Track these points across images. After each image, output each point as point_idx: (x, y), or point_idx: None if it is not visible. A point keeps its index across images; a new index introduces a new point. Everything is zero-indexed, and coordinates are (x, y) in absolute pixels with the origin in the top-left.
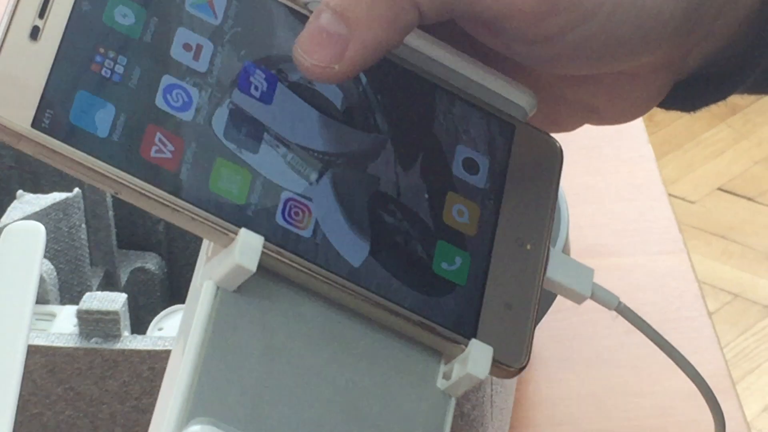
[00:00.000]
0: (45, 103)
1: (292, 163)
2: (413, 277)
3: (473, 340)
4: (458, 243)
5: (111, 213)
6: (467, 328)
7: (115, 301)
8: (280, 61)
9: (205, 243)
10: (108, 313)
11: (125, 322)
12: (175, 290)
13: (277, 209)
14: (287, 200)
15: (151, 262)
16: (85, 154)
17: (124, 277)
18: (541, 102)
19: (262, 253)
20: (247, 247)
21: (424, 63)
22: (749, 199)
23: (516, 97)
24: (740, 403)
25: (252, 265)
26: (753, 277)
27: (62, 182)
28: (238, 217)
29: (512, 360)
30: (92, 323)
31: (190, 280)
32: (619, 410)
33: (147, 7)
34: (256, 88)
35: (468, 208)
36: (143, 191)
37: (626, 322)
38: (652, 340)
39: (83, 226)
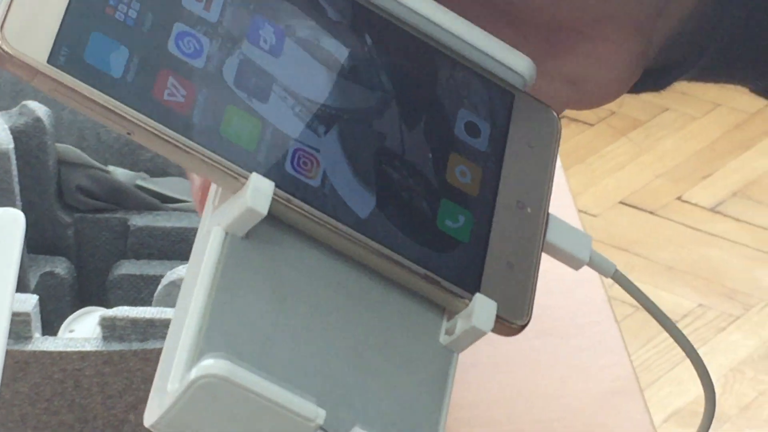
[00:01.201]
0: (60, 41)
1: (300, 115)
2: (418, 232)
3: (478, 294)
4: (461, 202)
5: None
6: (471, 284)
7: (26, 302)
8: (289, 16)
9: (211, 194)
10: (19, 314)
11: (36, 323)
12: (84, 294)
13: (286, 158)
14: (296, 150)
15: (61, 267)
16: (99, 92)
17: (33, 281)
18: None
19: (272, 200)
20: (258, 191)
21: (428, 28)
22: (651, 212)
23: (517, 65)
24: (647, 407)
25: (263, 209)
26: (655, 289)
27: None
28: (248, 162)
29: (515, 316)
30: None
31: (99, 285)
32: (529, 412)
33: None
34: (265, 41)
35: (470, 169)
36: (156, 132)
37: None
38: (646, 309)
39: None
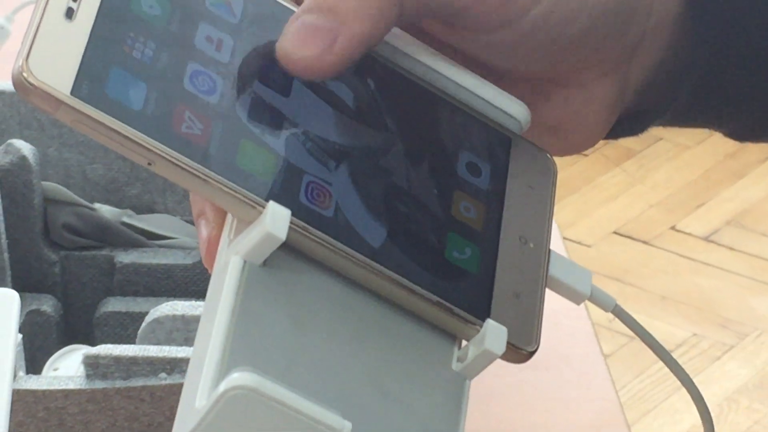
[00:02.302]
0: (82, 74)
1: (312, 150)
2: (428, 262)
3: (489, 320)
4: (467, 235)
5: (6, 255)
6: (481, 311)
7: None
8: None
9: (227, 227)
10: None
11: (20, 362)
12: (71, 332)
13: (300, 189)
14: (309, 182)
15: (47, 304)
16: (121, 123)
17: (20, 319)
18: None
19: (289, 228)
20: (277, 217)
21: (429, 75)
22: (644, 242)
23: (513, 110)
24: None
25: (282, 234)
26: (648, 319)
27: None
28: (265, 192)
29: (524, 343)
30: None
31: (86, 322)
32: None
33: (171, 1)
34: (275, 82)
35: (473, 205)
36: (176, 161)
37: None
38: (645, 342)
39: None
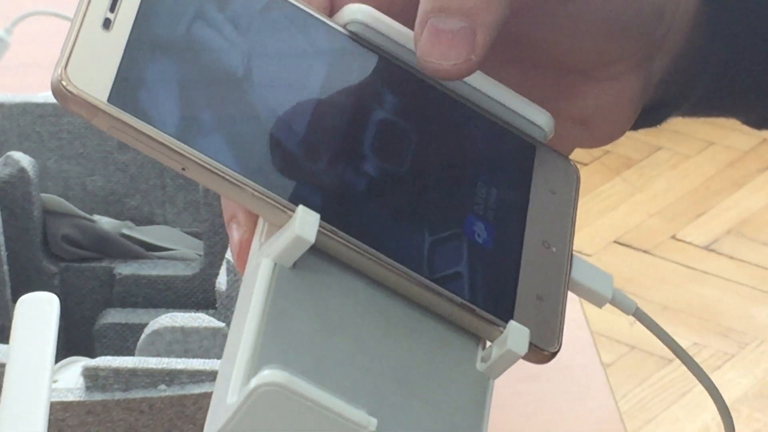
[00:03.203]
0: (119, 83)
1: (340, 155)
2: (453, 264)
3: (512, 321)
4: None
5: (5, 267)
6: (504, 313)
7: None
8: (314, 68)
9: (258, 231)
10: (3, 365)
11: None
12: (70, 343)
13: (329, 193)
14: (338, 186)
15: None
16: (156, 129)
17: None
18: None
19: (318, 231)
20: (306, 220)
21: (455, 85)
22: (645, 251)
23: (537, 118)
24: None
25: (311, 237)
26: None
27: None
28: (295, 196)
29: (546, 344)
30: None
31: (85, 334)
32: None
33: (202, 12)
34: (302, 87)
35: (498, 210)
36: (209, 167)
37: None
38: (668, 346)
39: None
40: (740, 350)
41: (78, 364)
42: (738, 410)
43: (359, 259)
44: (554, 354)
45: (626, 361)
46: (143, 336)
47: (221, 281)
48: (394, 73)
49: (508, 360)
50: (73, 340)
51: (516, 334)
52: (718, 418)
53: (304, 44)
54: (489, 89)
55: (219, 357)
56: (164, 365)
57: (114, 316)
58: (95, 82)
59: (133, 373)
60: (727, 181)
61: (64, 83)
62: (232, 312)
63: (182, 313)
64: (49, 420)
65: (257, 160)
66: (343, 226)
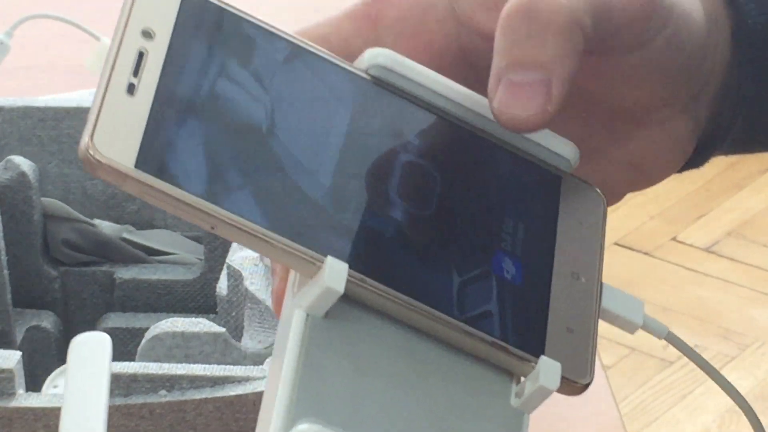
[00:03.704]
0: (145, 148)
1: (366, 202)
2: (483, 304)
3: (543, 357)
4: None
5: (5, 272)
6: (535, 348)
7: (9, 358)
8: (340, 111)
9: (291, 279)
10: (2, 371)
11: (20, 380)
12: None
13: (358, 242)
14: (365, 234)
15: (47, 321)
16: (183, 191)
17: (19, 336)
18: (592, 171)
19: (347, 280)
20: (334, 271)
21: (478, 121)
22: (645, 253)
23: (562, 149)
24: None
25: (340, 287)
26: None
27: None
28: (323, 247)
29: (578, 376)
30: None
31: None
32: None
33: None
34: (321, 139)
35: (526, 244)
36: (237, 225)
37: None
38: (701, 367)
39: None
40: (741, 352)
41: None
42: (739, 413)
43: (389, 304)
44: (587, 385)
45: (627, 363)
46: (144, 341)
47: (222, 286)
48: (416, 115)
49: (541, 395)
50: None
51: (548, 369)
52: (719, 420)
53: (327, 92)
54: None
55: (219, 362)
56: (165, 371)
57: (114, 321)
58: (122, 148)
59: (133, 378)
60: (728, 183)
61: (91, 152)
62: (233, 317)
63: (183, 318)
64: (50, 426)
65: (284, 213)
66: (372, 273)
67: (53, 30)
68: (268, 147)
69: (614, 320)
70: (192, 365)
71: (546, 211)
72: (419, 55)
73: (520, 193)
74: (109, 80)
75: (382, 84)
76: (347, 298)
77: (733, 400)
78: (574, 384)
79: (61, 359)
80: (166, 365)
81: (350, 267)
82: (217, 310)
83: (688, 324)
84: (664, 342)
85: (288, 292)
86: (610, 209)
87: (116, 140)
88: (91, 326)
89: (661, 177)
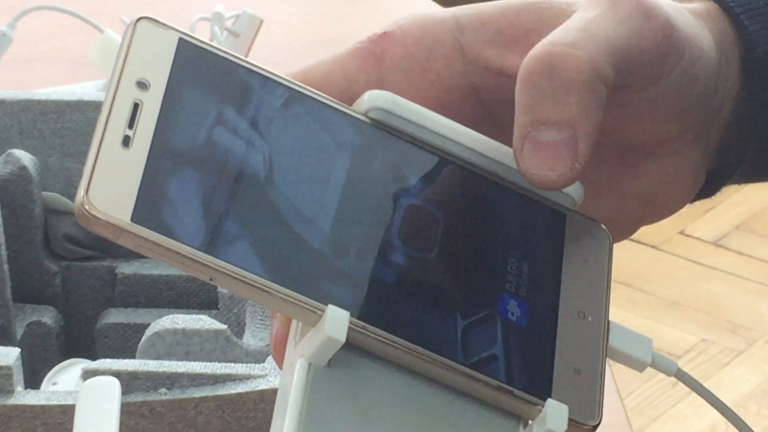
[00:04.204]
0: (140, 201)
1: (366, 250)
2: (487, 348)
3: (549, 400)
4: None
5: (6, 267)
6: (542, 391)
7: (8, 355)
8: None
9: (293, 328)
10: (0, 368)
11: (18, 376)
12: (72, 343)
13: (358, 290)
14: (366, 282)
15: (48, 316)
16: (180, 244)
17: (20, 331)
18: (602, 205)
19: (349, 328)
20: (335, 321)
21: (481, 161)
22: (653, 247)
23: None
24: None
25: (341, 337)
26: (657, 325)
27: None
28: (324, 295)
29: (586, 418)
30: None
31: (87, 334)
32: None
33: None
34: (317, 187)
35: (531, 285)
36: (236, 276)
37: None
38: (711, 403)
39: None
40: (749, 347)
41: (78, 366)
42: (746, 407)
43: (393, 351)
44: (595, 427)
45: None
46: (144, 338)
47: None
48: (417, 157)
49: None
50: (74, 340)
51: (555, 412)
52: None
53: (325, 137)
54: (513, 161)
55: (220, 359)
56: (165, 368)
57: (116, 316)
58: (117, 202)
59: (133, 376)
60: None
61: (87, 207)
62: (234, 313)
63: (184, 315)
64: (48, 423)
65: (284, 262)
66: (374, 321)
67: (56, 21)
68: (266, 195)
69: (622, 358)
70: (192, 363)
71: (551, 249)
72: (426, 92)
73: (525, 233)
74: (104, 133)
75: (382, 127)
76: (351, 345)
77: None
78: (582, 426)
79: (63, 355)
80: (166, 363)
81: (352, 314)
82: (218, 306)
83: (696, 318)
84: (673, 337)
85: (290, 339)
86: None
87: (112, 194)
88: (92, 321)
89: (673, 209)
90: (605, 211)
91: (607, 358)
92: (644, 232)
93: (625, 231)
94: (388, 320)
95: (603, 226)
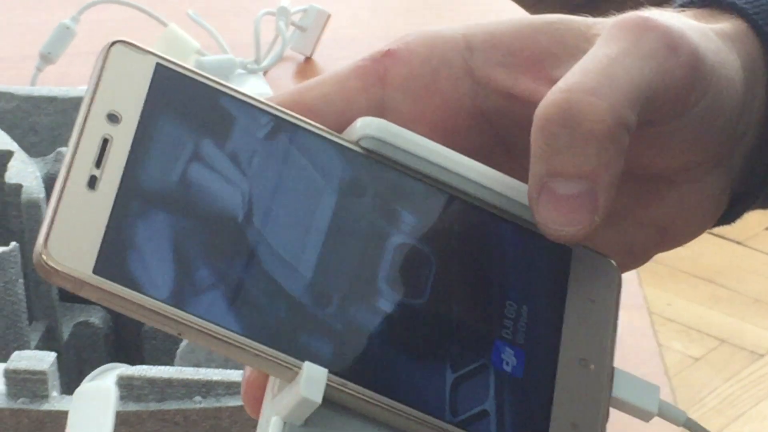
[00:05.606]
0: (104, 251)
1: (345, 302)
2: (477, 402)
3: None
4: (522, 365)
5: None
6: None
7: (44, 360)
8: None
9: (271, 381)
10: (35, 372)
11: (54, 381)
12: (120, 345)
13: (338, 344)
14: (347, 334)
15: (96, 316)
16: (145, 297)
17: (66, 332)
18: (616, 234)
19: (327, 386)
20: (312, 380)
21: (480, 192)
22: (738, 243)
23: None
24: None
25: (317, 398)
26: (740, 322)
27: (1, 236)
28: (300, 352)
29: None
30: (19, 383)
31: (135, 335)
32: None
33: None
34: (294, 237)
35: (529, 329)
36: (206, 331)
37: None
38: None
39: (21, 280)
40: None
41: (114, 372)
42: None
43: (374, 410)
44: None
45: (715, 355)
46: (183, 343)
47: None
48: (411, 190)
49: None
50: (122, 341)
51: None
52: None
53: (312, 171)
54: (515, 193)
55: None
56: (201, 376)
57: None
58: (79, 253)
59: (168, 383)
60: None
61: (44, 258)
62: None
63: None
64: None
65: (258, 314)
66: (354, 377)
67: (120, 15)
68: (243, 239)
69: (627, 409)
70: (228, 371)
71: (553, 289)
72: (431, 115)
73: (525, 271)
74: (68, 174)
75: (375, 157)
76: (330, 402)
77: None
78: None
79: (111, 356)
80: (202, 370)
81: (332, 370)
82: None
83: None
84: (755, 335)
85: (268, 392)
86: None
87: (73, 244)
88: (140, 323)
89: (692, 236)
90: (620, 239)
91: (611, 407)
92: (729, 227)
93: (638, 260)
94: (370, 376)
95: (613, 261)
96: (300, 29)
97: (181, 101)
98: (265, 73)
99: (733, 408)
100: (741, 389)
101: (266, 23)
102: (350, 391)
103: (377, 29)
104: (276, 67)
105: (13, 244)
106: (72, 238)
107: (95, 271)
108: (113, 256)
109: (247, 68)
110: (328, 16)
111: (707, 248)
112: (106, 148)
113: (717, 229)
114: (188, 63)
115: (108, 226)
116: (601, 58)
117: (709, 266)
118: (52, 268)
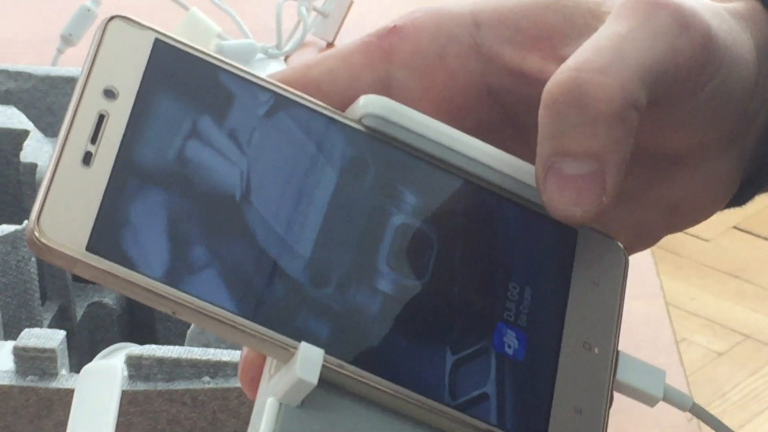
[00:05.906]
0: (98, 228)
1: (345, 280)
2: (478, 386)
3: None
4: (524, 347)
5: None
6: None
7: (53, 338)
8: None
9: (268, 361)
10: (45, 350)
11: (63, 360)
12: (134, 325)
13: (336, 323)
14: (346, 314)
15: (109, 296)
16: (139, 275)
17: (80, 312)
18: (626, 214)
19: (323, 367)
20: (308, 361)
21: (486, 173)
22: (765, 238)
23: None
24: None
25: (313, 379)
26: (765, 318)
27: (15, 215)
28: (297, 331)
29: None
30: (28, 360)
31: (149, 315)
32: None
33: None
34: (295, 210)
35: (533, 311)
36: (200, 310)
37: None
38: None
39: (33, 259)
40: None
41: (122, 352)
42: None
43: (372, 391)
44: None
45: (740, 350)
46: (193, 324)
47: None
48: (414, 170)
49: None
50: (136, 321)
51: None
52: None
53: (313, 149)
54: (520, 173)
55: None
56: (209, 356)
57: None
58: (72, 230)
59: (177, 363)
60: None
61: (36, 235)
62: None
63: None
64: None
65: (255, 293)
66: (352, 358)
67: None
68: (240, 217)
69: (632, 393)
70: (237, 352)
71: (558, 271)
72: (438, 92)
73: (529, 253)
74: (62, 149)
75: (377, 136)
76: (327, 383)
77: None
78: None
79: (125, 336)
80: (211, 351)
81: (328, 351)
82: None
83: None
84: None
85: (265, 373)
86: None
87: (66, 221)
88: None
89: (703, 217)
90: (630, 219)
91: (615, 392)
92: (757, 223)
93: (648, 241)
94: (368, 358)
95: (619, 243)
96: (322, 15)
97: (180, 77)
98: (286, 58)
99: (757, 403)
100: (764, 385)
101: (288, 8)
102: (347, 373)
103: (401, 14)
104: (297, 52)
105: (26, 222)
106: (65, 214)
107: (88, 249)
108: (107, 234)
109: (268, 53)
110: (351, 2)
111: (733, 243)
112: (102, 124)
113: (744, 224)
114: (209, 47)
115: (102, 203)
116: (610, 36)
117: (735, 261)
118: (44, 244)
